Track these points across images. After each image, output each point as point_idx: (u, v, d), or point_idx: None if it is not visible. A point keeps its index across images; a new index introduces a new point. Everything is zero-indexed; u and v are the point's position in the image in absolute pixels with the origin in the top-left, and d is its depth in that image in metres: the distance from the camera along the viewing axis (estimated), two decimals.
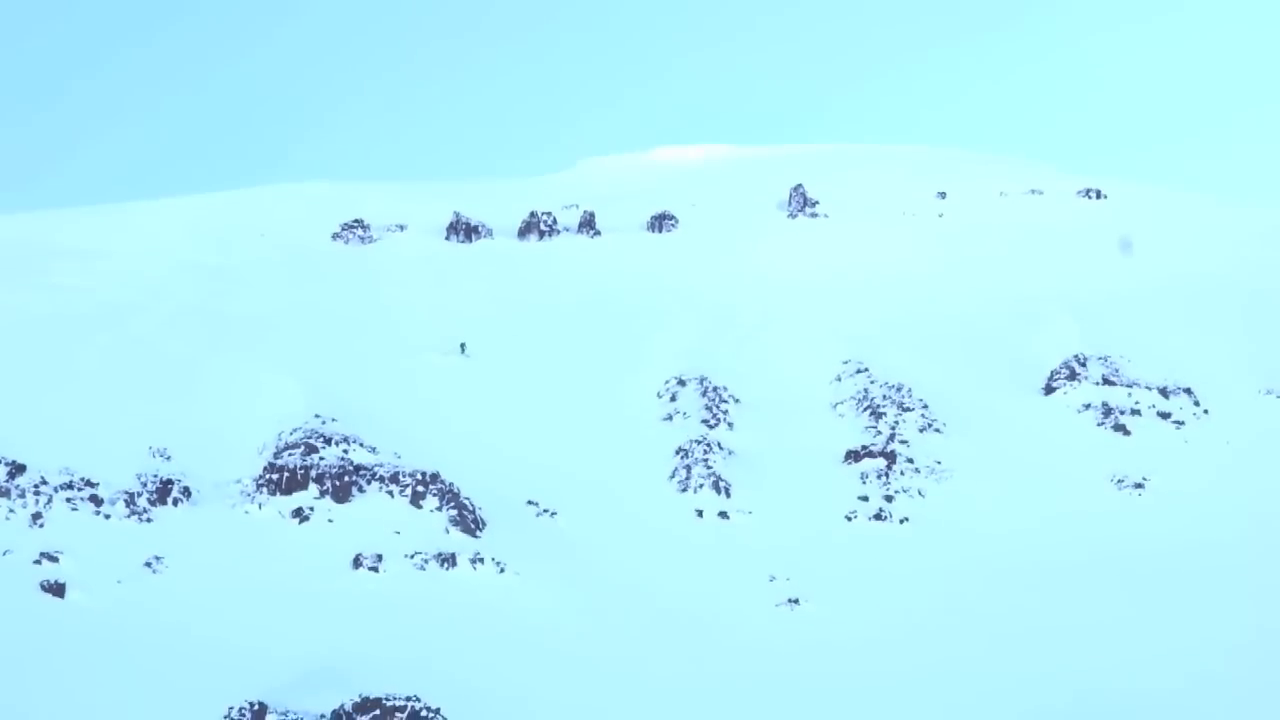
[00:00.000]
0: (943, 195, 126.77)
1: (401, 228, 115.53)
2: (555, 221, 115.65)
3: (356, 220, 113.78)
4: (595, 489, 67.79)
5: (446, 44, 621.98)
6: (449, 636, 52.17)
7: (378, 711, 43.40)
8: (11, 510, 57.76)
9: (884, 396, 78.68)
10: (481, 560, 58.39)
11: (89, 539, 56.36)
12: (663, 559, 61.75)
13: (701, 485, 68.90)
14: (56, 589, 51.82)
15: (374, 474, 63.53)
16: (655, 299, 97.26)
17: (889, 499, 68.57)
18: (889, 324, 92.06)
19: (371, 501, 62.41)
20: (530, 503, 65.19)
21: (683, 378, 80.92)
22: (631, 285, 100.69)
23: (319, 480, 62.67)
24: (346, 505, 62.01)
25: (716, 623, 55.48)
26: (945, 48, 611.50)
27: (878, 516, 67.07)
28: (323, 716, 43.59)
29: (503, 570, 58.21)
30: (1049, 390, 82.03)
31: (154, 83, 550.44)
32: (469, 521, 61.71)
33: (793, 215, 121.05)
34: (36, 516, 57.54)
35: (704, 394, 78.88)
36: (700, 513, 66.91)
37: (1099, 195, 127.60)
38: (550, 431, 73.94)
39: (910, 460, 71.96)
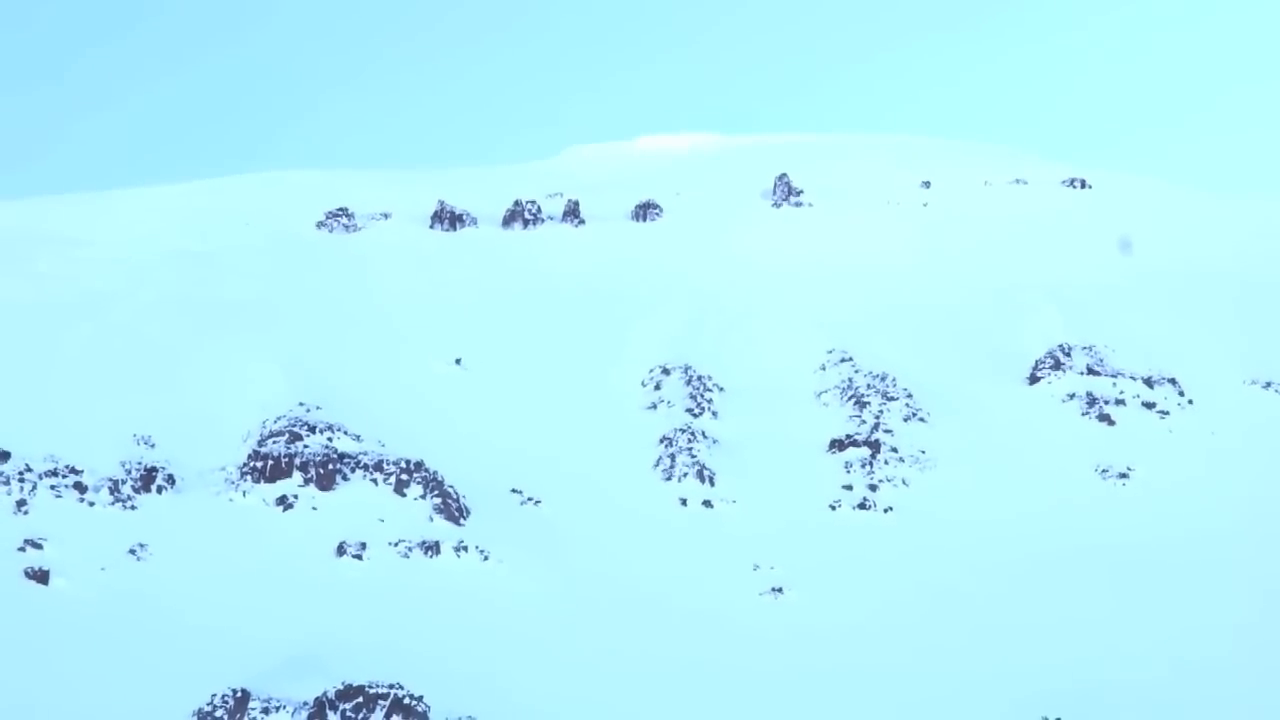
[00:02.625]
0: (927, 184, 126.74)
1: (386, 216, 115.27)
2: (540, 210, 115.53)
3: (341, 208, 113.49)
4: (579, 477, 67.77)
5: (431, 32, 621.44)
6: (432, 624, 52.14)
7: (360, 699, 43.37)
8: None
9: (868, 386, 78.72)
10: (465, 548, 58.38)
11: (73, 526, 56.23)
12: (646, 547, 61.75)
13: (685, 474, 68.89)
14: (40, 576, 51.69)
15: (358, 462, 63.47)
16: (640, 288, 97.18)
17: (873, 488, 68.63)
18: (873, 313, 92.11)
19: (355, 489, 62.35)
20: (514, 491, 65.16)
21: (667, 366, 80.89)
22: (616, 274, 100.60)
23: (303, 468, 62.59)
24: (330, 493, 61.95)
25: (700, 611, 55.48)
26: (930, 36, 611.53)
27: (862, 506, 67.13)
28: (305, 703, 43.56)
29: (486, 558, 58.20)
30: (1033, 380, 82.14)
31: (138, 71, 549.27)
32: (453, 509, 61.68)
33: (777, 204, 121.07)
34: (21, 504, 57.38)
35: (688, 382, 78.85)
36: (684, 501, 66.91)
37: (1083, 185, 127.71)
38: (534, 420, 73.89)
39: (894, 450, 72.03)
